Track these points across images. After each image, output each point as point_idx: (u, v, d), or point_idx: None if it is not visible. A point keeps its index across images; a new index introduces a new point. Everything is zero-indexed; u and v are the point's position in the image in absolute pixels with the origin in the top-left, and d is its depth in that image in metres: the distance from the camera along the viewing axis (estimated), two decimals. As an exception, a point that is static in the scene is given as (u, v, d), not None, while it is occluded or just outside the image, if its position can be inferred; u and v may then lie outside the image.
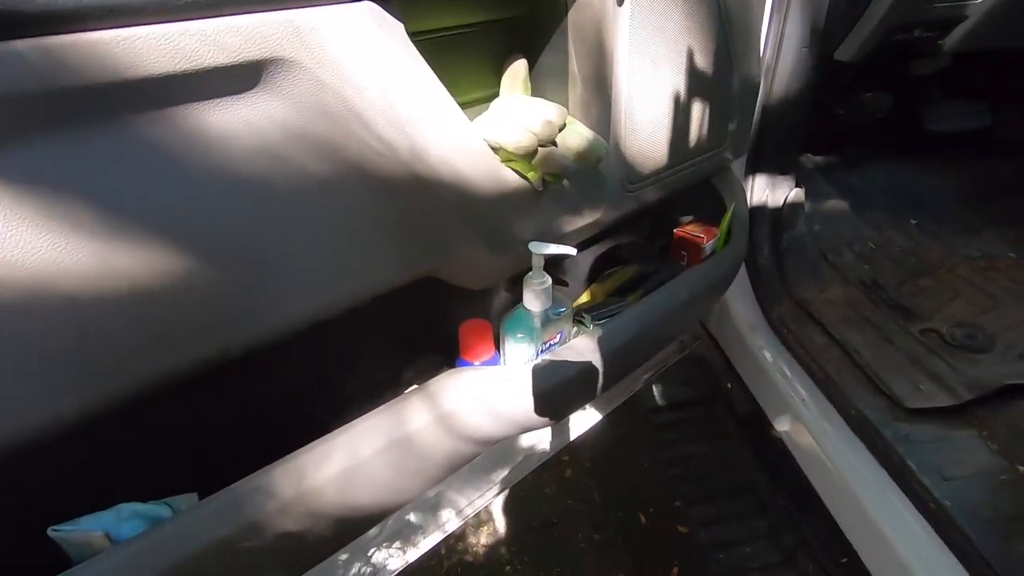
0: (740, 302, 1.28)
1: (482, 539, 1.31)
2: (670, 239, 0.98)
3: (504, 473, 1.10)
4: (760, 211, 1.26)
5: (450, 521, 1.04)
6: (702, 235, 0.93)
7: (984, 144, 1.48)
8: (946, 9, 0.96)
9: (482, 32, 0.66)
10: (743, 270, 1.29)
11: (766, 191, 1.26)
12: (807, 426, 1.04)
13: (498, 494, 1.11)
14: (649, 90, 0.75)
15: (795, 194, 1.30)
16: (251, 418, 0.64)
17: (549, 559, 1.27)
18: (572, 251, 0.68)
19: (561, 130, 0.64)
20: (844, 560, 1.03)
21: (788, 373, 1.12)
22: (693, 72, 0.81)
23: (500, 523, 1.35)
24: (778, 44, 1.08)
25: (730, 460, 1.40)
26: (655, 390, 1.60)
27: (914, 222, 1.42)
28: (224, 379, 0.51)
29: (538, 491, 1.41)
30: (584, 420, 1.26)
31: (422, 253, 0.61)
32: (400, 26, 0.49)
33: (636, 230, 1.05)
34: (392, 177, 0.53)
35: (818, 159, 1.51)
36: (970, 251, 1.31)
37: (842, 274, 1.26)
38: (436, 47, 0.64)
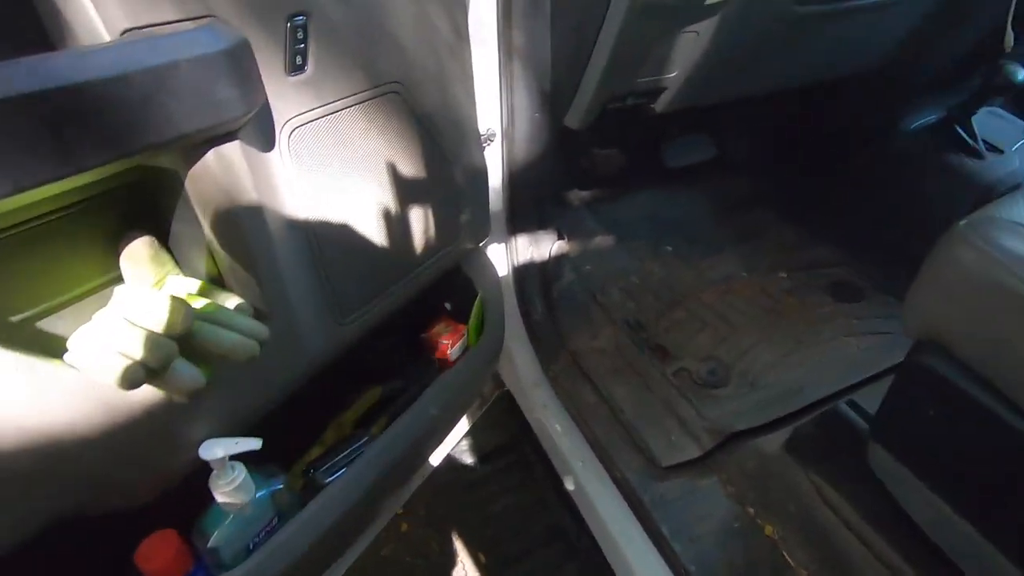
0: (523, 359, 1.28)
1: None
2: (422, 338, 0.93)
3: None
4: (528, 268, 1.27)
5: None
6: (448, 338, 0.89)
7: (716, 169, 1.65)
8: (648, 83, 1.01)
9: (85, 211, 0.52)
10: (522, 327, 1.29)
11: (530, 249, 1.26)
12: (586, 489, 1.07)
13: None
14: (339, 217, 0.67)
15: (558, 246, 1.32)
16: None
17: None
18: (255, 445, 0.57)
19: (205, 310, 0.52)
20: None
21: (566, 435, 1.14)
22: (392, 183, 0.74)
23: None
24: (511, 114, 1.06)
25: (540, 507, 1.42)
26: (466, 443, 1.58)
27: (670, 249, 1.54)
28: None
29: (375, 555, 1.32)
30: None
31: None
32: None
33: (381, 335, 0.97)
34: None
35: (585, 194, 1.57)
36: (713, 274, 1.45)
37: (610, 315, 1.32)
38: (26, 239, 0.49)
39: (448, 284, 0.94)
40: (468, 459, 1.53)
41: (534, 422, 1.27)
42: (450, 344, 0.87)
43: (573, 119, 1.05)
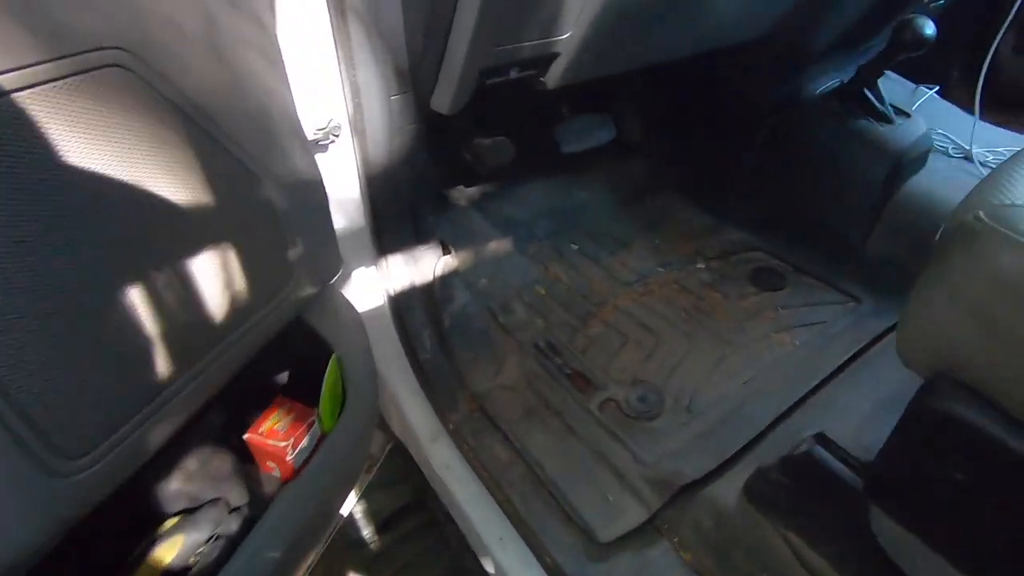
0: (415, 410, 1.02)
1: None
2: (246, 441, 0.63)
3: None
4: (409, 296, 1.00)
5: None
6: (286, 437, 0.60)
7: (616, 152, 1.46)
8: (535, 49, 0.77)
9: None
10: (409, 370, 1.03)
11: (409, 270, 0.99)
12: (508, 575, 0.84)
13: None
14: (40, 285, 0.37)
15: (445, 262, 1.06)
16: None
17: None
18: None
19: None
20: None
21: (476, 504, 0.90)
22: (146, 218, 0.44)
23: None
24: (356, 97, 0.78)
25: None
26: (361, 508, 1.29)
27: (575, 247, 1.34)
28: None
29: None
30: None
31: None
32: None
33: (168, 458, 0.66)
34: None
35: (472, 193, 1.32)
36: (626, 273, 1.26)
37: (515, 339, 1.09)
38: None
39: (282, 349, 0.65)
40: (366, 528, 1.24)
41: (437, 485, 1.01)
42: (289, 446, 0.59)
43: (442, 101, 0.79)
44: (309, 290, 0.67)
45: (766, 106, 1.32)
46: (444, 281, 1.05)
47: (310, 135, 0.79)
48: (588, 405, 0.97)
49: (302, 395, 0.67)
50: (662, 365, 1.04)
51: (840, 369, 0.98)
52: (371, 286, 0.97)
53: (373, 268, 0.97)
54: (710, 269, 1.29)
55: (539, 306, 1.17)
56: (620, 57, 0.93)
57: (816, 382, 0.95)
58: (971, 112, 1.34)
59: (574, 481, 0.85)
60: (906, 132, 1.19)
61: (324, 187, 0.66)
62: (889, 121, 1.20)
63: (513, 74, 0.81)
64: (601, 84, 1.37)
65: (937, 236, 0.54)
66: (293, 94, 0.62)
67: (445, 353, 1.02)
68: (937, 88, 1.36)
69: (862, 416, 0.88)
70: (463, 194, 1.30)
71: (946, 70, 1.48)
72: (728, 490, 0.79)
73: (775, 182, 1.36)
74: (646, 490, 0.82)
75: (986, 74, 1.31)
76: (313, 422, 0.63)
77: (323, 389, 0.65)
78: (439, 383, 1.00)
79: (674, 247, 1.36)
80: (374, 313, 0.99)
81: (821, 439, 0.71)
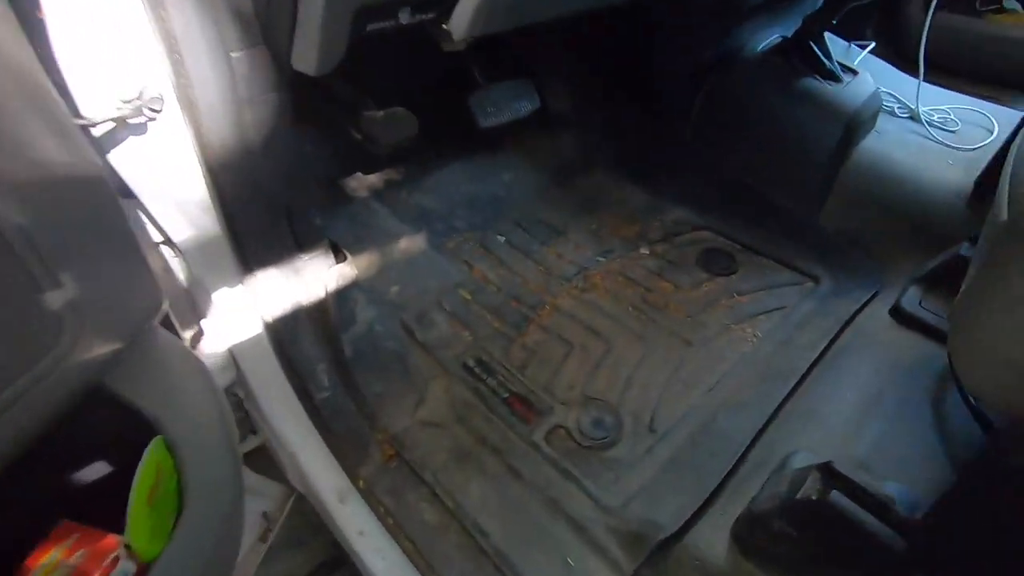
0: (315, 464, 0.80)
1: None
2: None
3: None
4: (291, 322, 0.77)
5: None
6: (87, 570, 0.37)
7: (542, 126, 1.28)
8: (429, -20, 0.56)
9: None
10: (304, 415, 0.80)
11: (290, 289, 0.76)
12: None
13: None
14: None
15: (340, 272, 0.84)
16: None
17: None
18: None
19: None
20: None
21: (403, 583, 0.70)
22: None
23: None
24: (177, 55, 0.54)
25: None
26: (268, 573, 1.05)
27: (502, 239, 1.14)
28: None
29: None
30: None
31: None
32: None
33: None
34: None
35: (371, 181, 1.09)
36: (564, 266, 1.09)
37: (440, 359, 0.89)
38: None
39: (70, 442, 0.42)
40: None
41: (352, 555, 0.80)
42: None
43: (305, 57, 0.57)
44: (106, 346, 0.43)
45: (703, 66, 1.18)
46: (341, 296, 0.83)
47: (108, 111, 0.54)
48: (533, 437, 0.79)
49: (107, 511, 0.44)
50: (615, 376, 0.88)
51: (813, 364, 0.86)
52: (239, 312, 0.74)
53: (240, 288, 0.73)
54: (655, 255, 1.14)
55: (465, 315, 0.97)
56: (541, 1, 0.74)
57: (790, 386, 0.82)
58: (903, 70, 1.26)
59: (524, 545, 0.67)
60: (856, 91, 1.08)
61: (110, 189, 0.43)
62: (837, 79, 1.09)
63: (404, 18, 0.60)
64: (520, 44, 1.17)
65: (984, 235, 0.39)
66: (58, 49, 0.38)
67: (348, 389, 0.80)
68: (873, 45, 1.27)
69: (847, 423, 0.76)
70: (362, 184, 1.07)
71: (875, 27, 1.40)
72: (714, 538, 0.64)
73: (716, 153, 1.22)
74: (613, 547, 0.66)
75: (909, 32, 1.23)
76: (117, 559, 0.40)
77: (132, 495, 0.42)
78: (343, 428, 0.78)
79: (614, 231, 1.20)
80: (248, 347, 0.76)
81: (827, 472, 0.56)
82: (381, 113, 0.74)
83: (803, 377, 0.83)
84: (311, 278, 0.78)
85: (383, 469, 0.76)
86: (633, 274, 1.08)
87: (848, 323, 0.92)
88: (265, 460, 1.03)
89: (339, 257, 0.83)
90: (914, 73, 1.18)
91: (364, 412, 0.80)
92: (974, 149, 1.07)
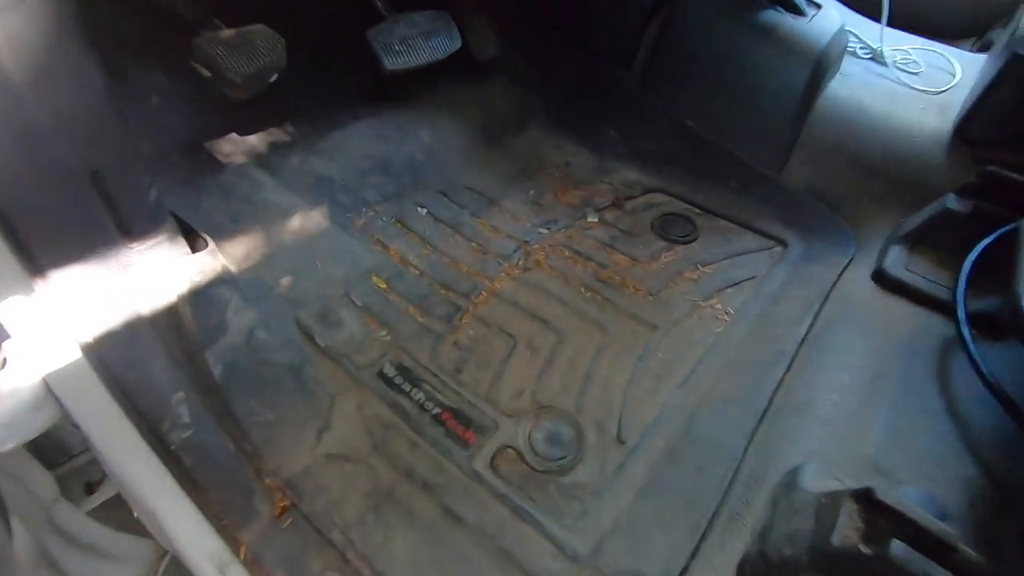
0: (183, 527, 0.58)
1: None
2: None
3: None
4: (126, 340, 0.54)
5: None
6: None
7: (464, 71, 1.07)
8: None
9: None
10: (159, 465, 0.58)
11: (115, 296, 0.53)
12: None
13: None
14: None
15: (201, 264, 0.61)
16: None
17: None
18: None
19: None
20: None
21: None
22: None
23: None
24: None
25: None
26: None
27: (423, 210, 0.94)
28: None
29: None
30: None
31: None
32: None
33: None
34: None
35: (254, 142, 0.85)
36: (499, 241, 0.91)
37: (349, 371, 0.69)
38: None
39: None
40: None
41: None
42: None
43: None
44: None
45: (649, 1, 1.01)
46: (202, 298, 0.61)
47: None
48: (474, 464, 0.61)
49: None
50: (570, 375, 0.72)
51: (800, 345, 0.73)
52: (42, 330, 0.50)
53: (36, 296, 0.50)
54: (605, 223, 0.98)
55: (381, 309, 0.77)
56: None
57: (779, 375, 0.68)
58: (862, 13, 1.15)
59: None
60: (822, 27, 0.95)
61: None
62: (801, 13, 0.95)
63: None
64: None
65: None
66: None
67: (220, 422, 0.59)
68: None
69: (850, 415, 0.63)
70: (238, 147, 0.83)
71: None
72: (716, 587, 0.50)
73: (667, 102, 1.07)
74: (589, 612, 0.50)
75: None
76: None
77: None
78: (215, 477, 0.57)
79: (556, 198, 1.03)
80: (66, 376, 0.53)
81: (867, 503, 0.43)
82: (229, 32, 0.52)
83: (791, 362, 0.70)
84: (149, 276, 0.56)
85: (274, 529, 0.56)
86: (581, 247, 0.91)
87: (828, 294, 0.81)
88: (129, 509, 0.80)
89: (197, 244, 0.61)
90: (874, 17, 1.07)
91: (244, 452, 0.59)
92: (941, 92, 0.97)
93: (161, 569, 0.77)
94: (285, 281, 0.75)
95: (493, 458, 0.62)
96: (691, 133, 1.05)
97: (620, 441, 0.65)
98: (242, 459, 0.59)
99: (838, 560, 0.40)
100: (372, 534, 0.55)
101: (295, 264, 0.77)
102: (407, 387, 0.68)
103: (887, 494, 0.42)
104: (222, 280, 0.63)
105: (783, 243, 0.93)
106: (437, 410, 0.66)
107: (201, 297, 0.60)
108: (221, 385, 0.60)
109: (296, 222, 0.81)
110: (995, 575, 0.38)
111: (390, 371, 0.70)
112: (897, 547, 0.37)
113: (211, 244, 0.62)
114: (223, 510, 0.56)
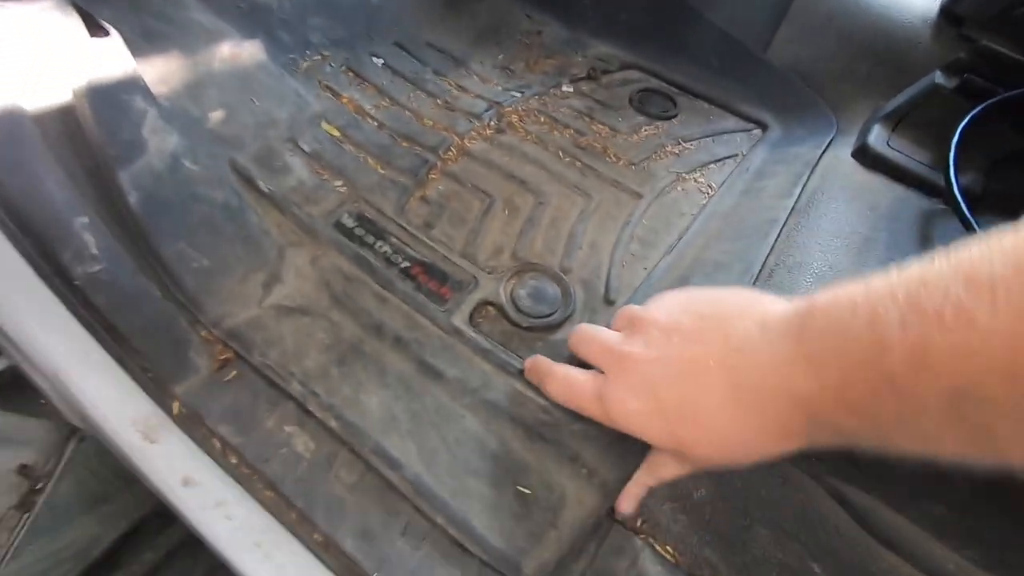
0: (97, 383, 0.48)
1: None
2: None
3: None
4: (21, 139, 0.41)
5: None
6: None
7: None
8: None
9: None
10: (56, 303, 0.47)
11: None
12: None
13: None
14: None
15: (102, 54, 0.47)
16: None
17: None
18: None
19: None
20: None
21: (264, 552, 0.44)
22: None
23: None
24: None
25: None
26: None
27: (380, 61, 0.82)
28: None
29: None
30: None
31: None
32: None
33: None
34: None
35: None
36: (469, 102, 0.80)
37: (301, 220, 0.59)
38: None
39: None
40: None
41: (179, 516, 0.52)
42: None
43: None
44: None
45: None
46: (107, 99, 0.47)
47: None
48: (452, 320, 0.54)
49: None
50: (553, 236, 0.65)
51: (789, 212, 0.70)
52: None
53: None
54: (582, 94, 0.89)
55: (335, 157, 0.66)
56: None
57: (771, 240, 0.65)
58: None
59: (455, 474, 0.44)
60: None
61: None
62: None
63: None
64: None
65: None
66: None
67: (144, 266, 0.48)
68: None
69: (840, 273, 0.62)
70: None
71: None
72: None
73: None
74: (587, 454, 0.45)
75: None
76: None
77: None
78: (137, 322, 0.47)
79: (527, 67, 0.93)
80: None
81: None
82: None
83: (782, 228, 0.67)
84: (24, 41, 0.42)
85: (214, 383, 0.47)
86: (558, 115, 0.83)
87: (815, 168, 0.78)
88: (21, 387, 0.67)
89: (95, 31, 0.47)
90: None
91: (175, 300, 0.49)
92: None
93: (67, 453, 0.66)
94: (215, 115, 0.62)
95: (472, 314, 0.55)
96: (667, 4, 0.97)
97: (608, 302, 0.60)
98: (172, 307, 0.49)
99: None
100: (340, 387, 0.47)
101: (226, 98, 0.64)
102: (370, 239, 0.59)
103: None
104: (133, 84, 0.50)
105: (763, 126, 0.89)
106: (406, 264, 0.58)
107: (105, 98, 0.47)
108: (140, 217, 0.48)
109: (226, 50, 0.66)
110: None
111: (349, 222, 0.60)
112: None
113: (115, 35, 0.48)
114: (149, 362, 0.46)
